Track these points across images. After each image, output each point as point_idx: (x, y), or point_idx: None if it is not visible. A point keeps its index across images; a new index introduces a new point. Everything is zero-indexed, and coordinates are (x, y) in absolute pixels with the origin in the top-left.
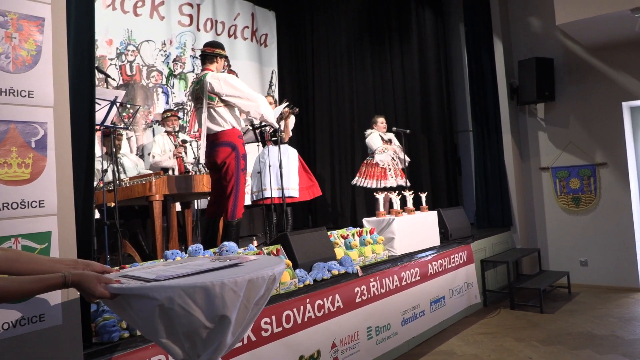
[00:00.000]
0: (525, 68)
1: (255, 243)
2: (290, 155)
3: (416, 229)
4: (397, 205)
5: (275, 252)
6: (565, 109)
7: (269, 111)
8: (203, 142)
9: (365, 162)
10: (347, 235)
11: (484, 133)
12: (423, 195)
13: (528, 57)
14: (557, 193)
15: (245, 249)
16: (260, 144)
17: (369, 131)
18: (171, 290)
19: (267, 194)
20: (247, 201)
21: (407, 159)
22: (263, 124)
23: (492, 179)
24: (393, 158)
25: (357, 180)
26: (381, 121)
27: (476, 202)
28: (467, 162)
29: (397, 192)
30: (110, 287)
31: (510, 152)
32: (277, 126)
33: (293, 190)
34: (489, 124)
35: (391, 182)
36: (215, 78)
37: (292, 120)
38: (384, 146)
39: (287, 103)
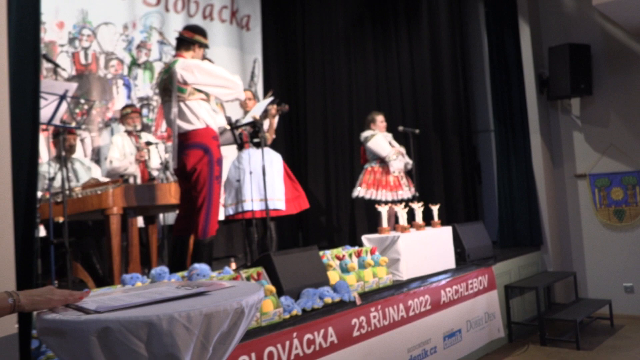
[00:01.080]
0: (557, 56)
1: (233, 265)
2: (274, 161)
3: (426, 248)
4: (403, 220)
5: (255, 277)
6: (604, 104)
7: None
8: (174, 146)
9: (369, 169)
10: (343, 255)
11: (509, 133)
12: (435, 208)
13: (560, 44)
14: (596, 205)
15: (219, 273)
16: (237, 146)
17: (369, 132)
18: (110, 324)
19: (247, 207)
20: (223, 215)
21: (410, 161)
22: (245, 121)
23: (518, 188)
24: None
25: (363, 192)
26: (381, 120)
27: (499, 216)
28: (489, 168)
29: (403, 204)
30: (42, 318)
31: (539, 156)
32: (257, 118)
33: (278, 201)
34: (514, 122)
35: (405, 192)
36: (187, 67)
37: (276, 119)
38: (395, 150)
39: (272, 98)
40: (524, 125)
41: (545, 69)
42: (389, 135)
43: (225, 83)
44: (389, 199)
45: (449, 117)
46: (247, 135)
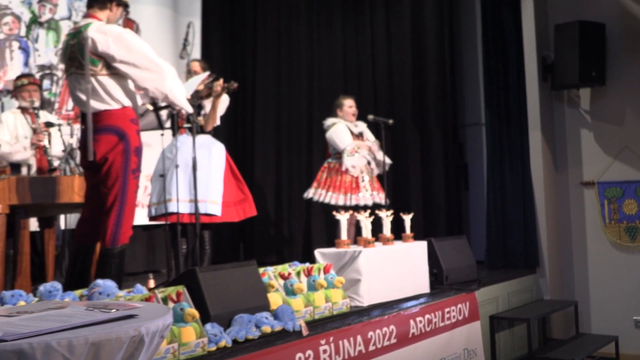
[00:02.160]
0: (565, 36)
1: (151, 283)
2: (214, 153)
3: (394, 267)
4: (367, 232)
5: (174, 297)
6: (620, 97)
7: (179, 89)
8: (86, 132)
9: (325, 165)
10: (289, 274)
11: (503, 129)
12: (407, 218)
13: (569, 21)
14: (605, 220)
15: (129, 292)
16: (164, 132)
17: (331, 120)
18: None
19: (172, 208)
20: (142, 219)
21: (388, 161)
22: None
23: (512, 196)
24: (368, 162)
25: (314, 193)
26: (349, 105)
27: (487, 230)
28: (477, 171)
29: (368, 211)
30: None
31: (539, 158)
32: (190, 111)
33: (213, 205)
34: (510, 115)
35: (365, 197)
36: (102, 32)
37: (224, 101)
38: (355, 144)
39: (209, 72)
40: (521, 120)
41: (550, 51)
42: (361, 125)
43: (147, 64)
44: (340, 203)
45: (431, 106)
46: (184, 118)
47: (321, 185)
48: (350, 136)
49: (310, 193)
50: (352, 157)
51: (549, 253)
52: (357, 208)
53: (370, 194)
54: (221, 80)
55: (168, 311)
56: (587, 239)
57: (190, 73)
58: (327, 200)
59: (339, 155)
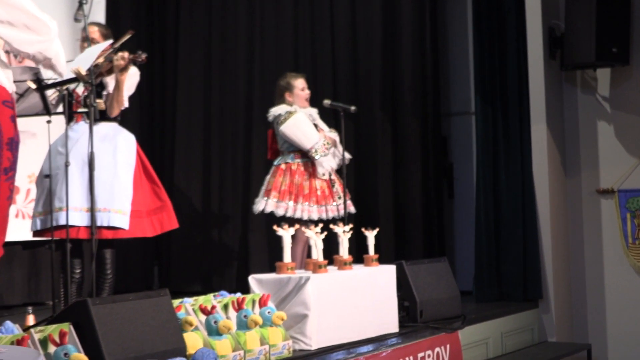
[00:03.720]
0: (579, 1)
1: (30, 318)
2: (121, 146)
3: (353, 299)
4: (317, 252)
5: (57, 338)
6: None
7: (62, 53)
8: None
9: (282, 167)
10: (213, 307)
11: (498, 120)
12: (371, 235)
13: None
14: (628, 239)
15: None
16: (51, 118)
17: (283, 109)
18: None
19: (63, 220)
20: (23, 234)
21: (347, 156)
22: (64, 77)
23: (508, 207)
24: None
25: (275, 205)
26: (302, 86)
27: (476, 250)
28: (465, 173)
29: (319, 225)
30: None
31: (544, 158)
32: (63, 78)
33: (118, 215)
34: (507, 102)
35: (340, 207)
36: None
37: (132, 76)
38: (325, 139)
39: (115, 45)
40: (522, 108)
41: (559, 21)
42: (314, 111)
43: (28, 22)
44: (314, 217)
45: (406, 89)
46: (80, 100)
47: (284, 194)
48: (314, 129)
49: (268, 205)
50: (326, 158)
51: (556, 282)
52: (308, 222)
53: (345, 201)
54: (125, 52)
55: (38, 356)
56: (605, 263)
57: (87, 41)
58: (298, 215)
59: (300, 153)
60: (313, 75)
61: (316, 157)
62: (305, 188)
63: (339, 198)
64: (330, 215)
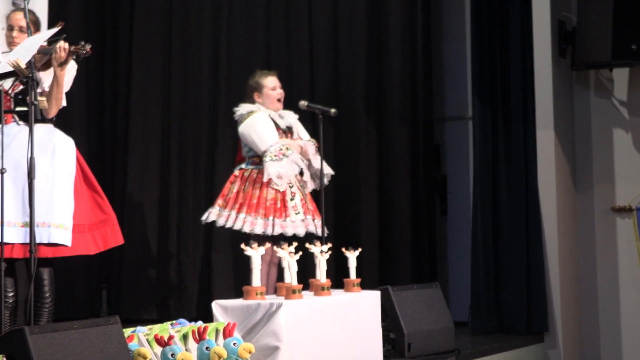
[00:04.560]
0: None
1: None
2: (58, 152)
3: (331, 329)
4: (291, 275)
5: None
6: None
7: None
8: None
9: (236, 174)
10: (171, 338)
11: (498, 126)
12: (352, 256)
13: None
14: None
15: None
16: None
17: (246, 108)
18: None
19: None
20: None
21: (328, 170)
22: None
23: (509, 226)
24: (301, 171)
25: (217, 215)
26: (272, 85)
27: (473, 275)
28: (461, 187)
29: (294, 244)
30: None
31: (551, 170)
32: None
33: (59, 230)
34: (509, 106)
35: (295, 224)
36: None
37: (71, 71)
38: (283, 143)
39: (59, 28)
40: (526, 113)
41: (570, 13)
42: (290, 116)
43: None
44: (257, 230)
45: (394, 90)
46: (10, 99)
47: (229, 203)
48: (275, 131)
49: (211, 215)
50: (278, 163)
51: (564, 311)
52: (280, 239)
53: (303, 218)
54: (66, 43)
55: None
56: (621, 289)
57: (12, 31)
58: (237, 226)
59: (258, 159)
60: (288, 72)
61: (264, 161)
62: (253, 197)
63: (297, 214)
64: (278, 231)
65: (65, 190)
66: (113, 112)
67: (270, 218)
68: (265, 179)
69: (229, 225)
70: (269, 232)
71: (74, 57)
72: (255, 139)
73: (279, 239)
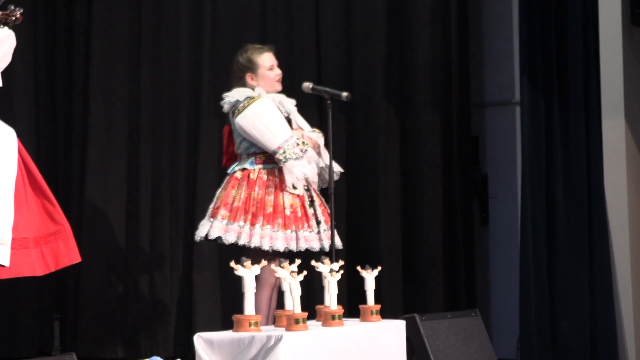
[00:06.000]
0: None
1: None
2: None
3: None
4: (293, 302)
5: None
6: None
7: None
8: None
9: (236, 177)
10: None
11: (553, 113)
12: (370, 276)
13: None
14: None
15: None
16: None
17: (244, 93)
18: None
19: None
20: None
21: (338, 169)
22: None
23: (568, 238)
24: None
25: (220, 229)
26: (270, 65)
27: (522, 300)
28: (507, 190)
29: (296, 261)
30: None
31: (621, 168)
32: None
33: None
34: (567, 89)
35: (319, 235)
36: None
37: (5, 41)
38: (299, 136)
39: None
40: (588, 97)
41: None
42: (288, 102)
43: None
44: (278, 247)
45: (421, 71)
46: None
47: (237, 213)
48: (286, 122)
49: (213, 229)
50: (299, 162)
51: (639, 347)
52: (282, 255)
53: (325, 228)
54: None
55: None
56: None
57: None
58: (255, 243)
59: (263, 157)
60: (287, 48)
61: (283, 161)
62: (268, 205)
63: (318, 224)
64: (304, 245)
65: (3, 195)
66: (67, 97)
67: (292, 231)
68: (290, 185)
69: (242, 242)
70: (293, 247)
71: (4, 24)
72: (265, 133)
73: (276, 255)
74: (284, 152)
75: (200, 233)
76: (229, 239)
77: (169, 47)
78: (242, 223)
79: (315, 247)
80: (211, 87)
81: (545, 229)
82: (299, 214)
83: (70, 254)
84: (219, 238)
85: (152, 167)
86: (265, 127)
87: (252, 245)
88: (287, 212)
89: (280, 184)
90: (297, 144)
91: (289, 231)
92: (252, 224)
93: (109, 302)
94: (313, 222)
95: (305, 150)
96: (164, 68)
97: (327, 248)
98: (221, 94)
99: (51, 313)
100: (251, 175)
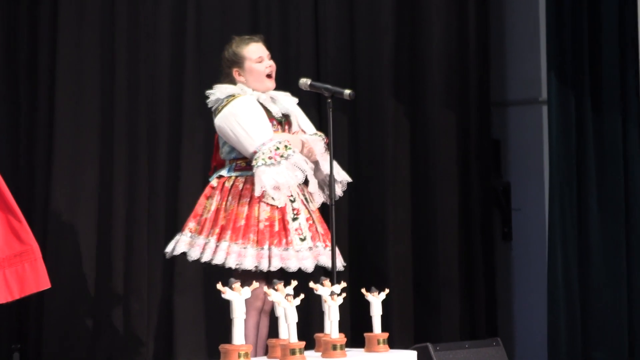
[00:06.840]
0: None
1: None
2: None
3: None
4: (289, 329)
5: None
6: None
7: None
8: None
9: (213, 185)
10: None
11: (585, 113)
12: (377, 300)
13: None
14: None
15: None
16: None
17: (224, 90)
18: None
19: None
20: None
21: (344, 177)
22: None
23: (602, 257)
24: (306, 179)
25: (189, 244)
26: (258, 56)
27: (549, 328)
28: (532, 201)
29: (292, 283)
30: None
31: None
32: None
33: None
34: (601, 86)
35: (300, 254)
36: None
37: None
38: (279, 138)
39: None
40: (625, 96)
41: None
42: (285, 100)
43: None
44: (247, 265)
45: (435, 65)
46: None
47: (206, 226)
48: (267, 122)
49: (180, 244)
50: (274, 169)
51: None
52: (275, 276)
53: (311, 246)
54: None
55: None
56: None
57: None
58: (218, 260)
59: (244, 162)
60: (283, 37)
61: (255, 167)
62: (240, 218)
63: (302, 240)
64: (278, 264)
65: None
66: (31, 96)
67: (266, 247)
68: (257, 193)
69: (206, 258)
70: (264, 266)
71: None
72: (240, 135)
73: (274, 276)
74: (259, 157)
75: (168, 249)
76: (193, 255)
77: (146, 38)
78: (208, 238)
79: (292, 266)
80: (195, 83)
81: (576, 247)
82: (276, 228)
83: (38, 279)
84: (185, 254)
85: (128, 175)
86: (241, 128)
87: (216, 262)
88: (261, 225)
89: (259, 195)
90: (277, 148)
91: (262, 248)
92: (219, 239)
93: (77, 329)
94: (294, 238)
95: (287, 156)
96: (141, 61)
97: (309, 269)
98: (206, 90)
99: (10, 342)
100: (226, 184)
